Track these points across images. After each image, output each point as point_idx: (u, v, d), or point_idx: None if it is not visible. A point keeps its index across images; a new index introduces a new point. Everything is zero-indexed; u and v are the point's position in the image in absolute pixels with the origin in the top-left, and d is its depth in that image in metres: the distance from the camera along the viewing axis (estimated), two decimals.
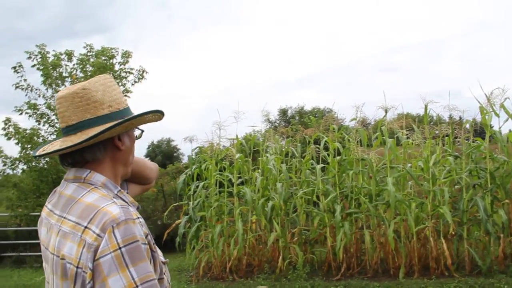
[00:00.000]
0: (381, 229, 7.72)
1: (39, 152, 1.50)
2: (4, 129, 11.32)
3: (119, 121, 1.41)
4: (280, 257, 7.89)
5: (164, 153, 35.05)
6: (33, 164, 11.35)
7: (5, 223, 12.50)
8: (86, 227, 1.28)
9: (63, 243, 1.31)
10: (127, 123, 1.42)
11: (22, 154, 11.29)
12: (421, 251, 7.45)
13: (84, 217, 1.30)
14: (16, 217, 11.80)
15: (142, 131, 1.56)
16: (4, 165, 11.41)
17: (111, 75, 11.95)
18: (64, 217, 1.34)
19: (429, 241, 7.22)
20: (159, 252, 1.42)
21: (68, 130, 1.43)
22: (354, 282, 7.18)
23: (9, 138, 11.35)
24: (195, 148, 9.29)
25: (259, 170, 8.76)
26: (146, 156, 36.76)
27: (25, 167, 11.56)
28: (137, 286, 1.19)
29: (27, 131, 11.39)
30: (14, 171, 11.64)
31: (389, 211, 7.57)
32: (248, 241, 8.34)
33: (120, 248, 1.21)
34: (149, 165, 1.87)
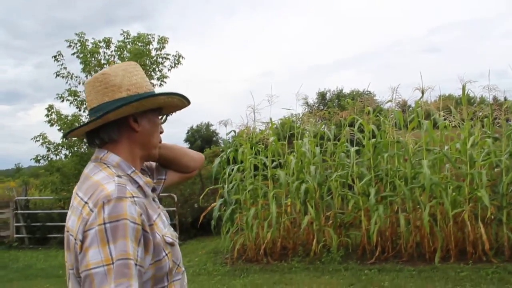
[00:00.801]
0: (417, 213, 7.60)
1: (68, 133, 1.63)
2: (47, 115, 11.69)
3: (126, 102, 1.45)
4: (315, 240, 7.90)
5: (203, 138, 35.47)
6: (75, 149, 11.71)
7: (50, 206, 13.00)
8: (86, 202, 1.34)
9: (70, 217, 1.38)
10: (136, 103, 1.45)
11: (64, 140, 11.64)
12: (458, 235, 7.30)
13: (87, 193, 1.36)
14: (60, 200, 12.28)
15: (167, 115, 1.61)
16: (48, 150, 11.81)
17: (148, 60, 12.19)
18: (77, 194, 1.42)
19: (467, 225, 7.05)
20: (164, 232, 1.44)
21: (91, 113, 1.52)
22: (388, 266, 7.12)
23: (52, 125, 11.72)
24: (230, 132, 9.36)
25: (294, 154, 8.76)
26: (186, 140, 37.28)
27: (67, 152, 11.95)
28: (112, 263, 1.21)
29: (69, 118, 11.72)
30: (58, 156, 12.03)
31: (424, 194, 7.43)
32: (283, 224, 8.38)
33: (105, 223, 1.25)
34: (190, 154, 1.90)
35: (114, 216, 1.26)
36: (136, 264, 1.25)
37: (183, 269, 1.53)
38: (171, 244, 1.45)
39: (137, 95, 1.49)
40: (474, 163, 7.36)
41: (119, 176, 1.41)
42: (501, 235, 7.25)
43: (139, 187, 1.47)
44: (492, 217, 7.25)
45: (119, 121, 1.48)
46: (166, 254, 1.40)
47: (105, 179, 1.38)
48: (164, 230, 1.45)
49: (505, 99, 8.13)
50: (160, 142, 1.63)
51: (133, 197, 1.34)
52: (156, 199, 1.60)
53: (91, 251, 1.23)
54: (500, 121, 7.65)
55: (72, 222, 1.35)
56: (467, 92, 7.83)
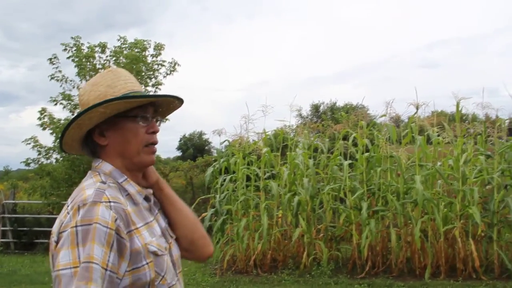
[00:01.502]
0: (408, 228, 7.60)
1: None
2: (39, 119, 11.60)
3: (71, 122, 1.45)
4: (305, 253, 7.87)
5: (195, 146, 35.36)
6: (66, 154, 11.61)
7: (39, 211, 12.87)
8: (68, 205, 1.36)
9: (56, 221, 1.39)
10: (79, 119, 1.44)
11: (56, 144, 11.55)
12: (448, 251, 7.31)
13: (71, 198, 1.39)
14: (49, 205, 12.16)
15: (138, 116, 1.50)
16: (39, 154, 11.70)
17: (143, 67, 12.16)
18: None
19: (457, 242, 7.06)
20: (149, 241, 1.40)
21: None
22: (378, 281, 7.10)
23: (44, 128, 11.62)
24: (224, 141, 9.34)
25: (287, 165, 8.74)
26: (178, 148, 37.16)
27: (58, 156, 11.85)
28: (79, 265, 1.21)
29: (62, 121, 11.63)
30: (48, 160, 11.92)
31: (416, 209, 7.44)
32: (274, 236, 8.34)
33: (77, 226, 1.26)
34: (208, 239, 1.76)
35: (87, 219, 1.27)
36: (106, 269, 1.24)
37: (173, 282, 1.48)
38: (155, 254, 1.41)
39: (81, 111, 1.45)
40: (466, 180, 7.39)
41: (103, 182, 1.42)
42: (491, 253, 7.26)
43: (128, 195, 1.46)
44: (483, 234, 7.28)
45: (86, 138, 1.50)
46: (147, 263, 1.37)
47: (89, 185, 1.40)
48: (150, 239, 1.42)
49: (497, 116, 8.18)
50: (154, 143, 1.55)
51: (109, 202, 1.34)
52: (154, 209, 1.57)
53: (61, 253, 1.24)
54: (493, 139, 7.68)
55: (55, 226, 1.35)
56: (461, 109, 7.89)
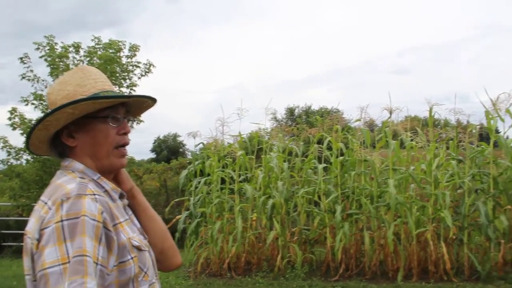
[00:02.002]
0: (381, 231, 7.67)
1: None
2: (10, 119, 11.34)
3: (37, 122, 1.41)
4: (279, 256, 7.86)
5: (170, 148, 35.17)
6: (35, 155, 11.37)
7: (7, 213, 12.58)
8: (45, 203, 1.31)
9: (30, 220, 1.34)
10: (48, 118, 1.39)
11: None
12: (420, 254, 7.39)
13: (47, 195, 1.34)
14: (18, 207, 11.87)
15: (108, 116, 1.46)
16: (9, 155, 11.44)
17: (118, 68, 12.02)
18: (40, 199, 1.38)
19: (429, 245, 7.16)
20: (132, 235, 1.40)
21: None
22: (352, 284, 7.14)
23: (14, 128, 11.37)
24: (198, 144, 9.30)
25: (262, 168, 8.74)
26: (152, 150, 36.89)
27: (29, 157, 11.60)
28: (69, 261, 1.16)
29: (33, 122, 11.40)
30: (18, 161, 11.67)
31: (389, 213, 7.52)
32: (248, 238, 8.32)
33: (62, 220, 1.21)
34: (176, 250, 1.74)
35: (73, 213, 1.23)
36: (96, 263, 1.20)
37: (153, 280, 1.46)
38: (138, 248, 1.40)
39: (48, 112, 1.41)
40: (439, 184, 7.50)
41: (82, 178, 1.39)
42: (461, 255, 7.38)
43: (106, 191, 1.43)
44: (454, 237, 7.40)
45: (54, 139, 1.46)
46: (132, 258, 1.35)
47: (67, 181, 1.37)
48: (132, 234, 1.41)
49: (468, 122, 8.35)
50: (125, 144, 1.51)
51: (94, 194, 1.31)
52: (128, 210, 1.54)
53: (47, 250, 1.19)
54: (464, 144, 7.82)
55: (31, 224, 1.31)
56: (433, 114, 8.02)
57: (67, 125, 1.42)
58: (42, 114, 11.42)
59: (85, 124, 1.44)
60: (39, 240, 1.23)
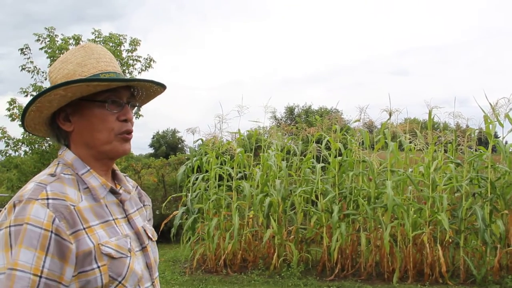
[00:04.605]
0: (378, 232, 7.68)
1: None
2: (8, 109, 11.31)
3: (31, 102, 1.31)
4: (275, 254, 7.87)
5: (168, 144, 35.16)
6: (36, 146, 11.36)
7: (4, 204, 12.54)
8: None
9: None
10: (41, 97, 1.30)
11: (25, 136, 11.29)
12: (416, 256, 7.41)
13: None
14: None
15: (107, 101, 1.35)
16: (7, 146, 11.39)
17: (118, 62, 11.98)
18: None
19: (425, 247, 7.17)
20: (105, 241, 1.26)
21: None
22: (347, 284, 7.15)
23: (13, 119, 11.32)
24: (197, 140, 9.30)
25: (260, 166, 8.75)
26: (151, 145, 36.88)
27: (27, 149, 11.57)
28: (4, 271, 1.10)
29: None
30: (17, 153, 11.63)
31: (386, 214, 7.53)
32: (244, 236, 8.34)
33: (10, 226, 1.14)
34: None
35: (18, 219, 1.14)
36: (39, 276, 1.11)
37: None
38: (109, 256, 1.25)
39: (39, 94, 1.30)
40: (436, 187, 7.52)
41: (52, 175, 1.28)
42: (457, 258, 7.40)
43: (87, 189, 1.32)
44: (450, 240, 7.42)
45: (52, 121, 1.37)
46: (99, 267, 1.22)
47: (38, 176, 1.28)
48: (106, 239, 1.26)
49: (467, 126, 8.36)
50: (126, 131, 1.39)
51: (47, 199, 1.19)
52: (133, 206, 1.46)
53: None
54: (463, 148, 7.84)
55: None
56: (433, 117, 8.03)
57: (63, 108, 1.33)
58: None
59: (82, 108, 1.34)
60: None
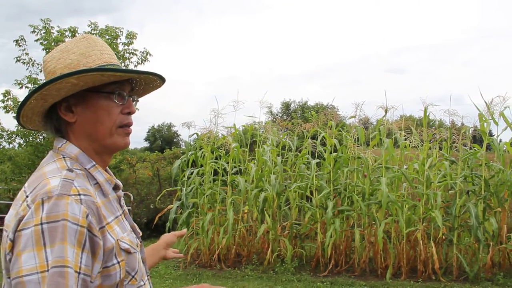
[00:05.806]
0: (372, 229, 7.71)
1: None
2: (3, 101, 11.25)
3: (34, 91, 1.28)
4: (269, 249, 7.89)
5: (164, 138, 35.11)
6: (30, 139, 11.31)
7: None
8: (27, 196, 1.19)
9: (10, 210, 1.24)
10: (46, 88, 1.27)
11: (19, 128, 11.24)
12: (410, 253, 7.44)
13: (31, 185, 1.22)
14: (9, 190, 11.80)
15: (114, 92, 1.34)
16: (1, 138, 11.35)
17: (114, 55, 11.94)
18: (24, 185, 1.27)
19: (419, 244, 7.20)
20: (121, 236, 1.28)
21: None
22: (340, 280, 7.18)
23: (7, 111, 11.27)
24: (192, 135, 9.28)
25: (255, 161, 8.75)
26: (146, 139, 36.83)
27: (21, 141, 11.53)
28: (47, 270, 1.06)
29: None
30: (11, 145, 11.59)
31: (381, 211, 7.55)
32: (239, 231, 8.34)
33: (42, 223, 1.10)
34: None
35: (53, 216, 1.11)
36: (78, 272, 1.10)
37: (141, 283, 1.34)
38: (127, 251, 1.27)
39: (49, 80, 1.27)
40: (430, 184, 7.54)
41: (70, 170, 1.25)
42: (450, 255, 7.43)
43: (97, 184, 1.32)
44: (444, 237, 7.46)
45: (50, 112, 1.33)
46: (118, 262, 1.24)
47: (53, 172, 1.24)
48: (122, 235, 1.28)
49: (462, 124, 8.39)
50: (128, 124, 1.39)
51: (79, 194, 1.18)
52: (123, 201, 1.45)
53: (24, 255, 1.08)
54: (457, 145, 7.86)
55: (9, 217, 1.20)
56: (428, 115, 8.05)
57: (66, 98, 1.30)
58: None
59: (88, 98, 1.32)
60: (13, 241, 1.12)
